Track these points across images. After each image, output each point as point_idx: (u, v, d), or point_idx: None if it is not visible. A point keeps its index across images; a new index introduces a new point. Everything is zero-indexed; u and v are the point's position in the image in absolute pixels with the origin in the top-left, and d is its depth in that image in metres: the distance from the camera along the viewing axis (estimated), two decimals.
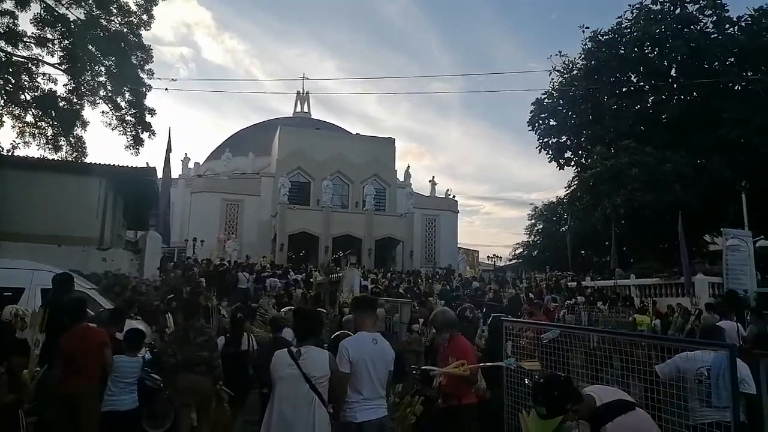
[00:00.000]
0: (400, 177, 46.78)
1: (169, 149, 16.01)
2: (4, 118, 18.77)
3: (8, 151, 18.15)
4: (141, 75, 18.97)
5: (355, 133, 51.48)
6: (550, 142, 30.99)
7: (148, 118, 19.48)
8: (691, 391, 4.25)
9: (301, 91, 57.56)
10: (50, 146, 18.86)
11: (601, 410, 2.81)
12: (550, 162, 31.49)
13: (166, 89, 18.46)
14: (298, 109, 57.82)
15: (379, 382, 3.96)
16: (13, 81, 18.67)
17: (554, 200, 42.89)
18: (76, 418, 4.56)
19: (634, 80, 28.23)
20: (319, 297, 13.70)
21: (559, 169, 31.37)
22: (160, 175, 16.56)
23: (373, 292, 18.09)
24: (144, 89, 19.10)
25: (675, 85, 27.21)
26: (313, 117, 57.18)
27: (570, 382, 3.17)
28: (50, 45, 17.82)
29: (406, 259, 38.99)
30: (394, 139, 46.39)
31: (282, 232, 36.20)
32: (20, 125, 18.98)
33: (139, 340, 5.42)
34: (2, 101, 18.72)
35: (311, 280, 18.43)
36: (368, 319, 4.20)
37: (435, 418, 4.95)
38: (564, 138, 30.89)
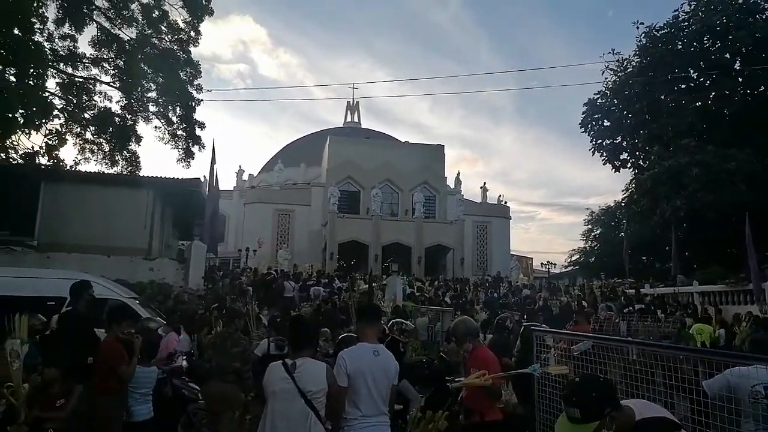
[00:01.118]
0: (451, 184, 46.24)
1: (213, 160, 16.37)
2: (67, 137, 19.75)
3: (71, 167, 19.12)
4: (190, 90, 19.56)
5: (404, 141, 51.38)
6: (604, 143, 29.89)
7: (198, 131, 20.12)
8: (745, 412, 3.77)
9: (351, 102, 58.10)
10: (107, 161, 19.71)
11: (640, 425, 2.44)
12: (604, 164, 30.42)
13: (200, 101, 18.72)
14: (349, 119, 58.27)
15: (380, 398, 3.65)
16: (75, 101, 19.63)
17: (612, 204, 41.26)
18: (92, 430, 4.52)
19: (694, 75, 26.83)
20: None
21: (615, 171, 30.26)
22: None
23: (419, 301, 17.89)
24: (193, 104, 19.67)
25: (739, 79, 25.65)
26: (363, 126, 57.49)
27: (610, 384, 2.77)
28: (105, 64, 18.60)
29: (456, 267, 38.37)
30: (443, 146, 45.98)
31: (332, 240, 36.41)
32: (80, 142, 19.90)
33: (153, 349, 5.39)
34: (64, 121, 19.69)
35: (355, 288, 18.36)
36: (370, 329, 3.91)
37: None
38: (619, 139, 29.73)
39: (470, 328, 4.74)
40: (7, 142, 17.24)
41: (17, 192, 13.77)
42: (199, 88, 19.68)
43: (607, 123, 29.82)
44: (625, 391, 4.31)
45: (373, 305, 4.46)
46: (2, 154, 16.88)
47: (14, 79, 15.39)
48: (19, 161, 17.26)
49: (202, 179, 18.06)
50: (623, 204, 32.00)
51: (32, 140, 18.61)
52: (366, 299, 15.56)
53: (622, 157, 30.18)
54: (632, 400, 2.86)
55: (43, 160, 18.46)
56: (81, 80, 19.23)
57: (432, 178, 43.44)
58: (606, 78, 30.14)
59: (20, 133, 18.02)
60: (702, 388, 3.91)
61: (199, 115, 19.97)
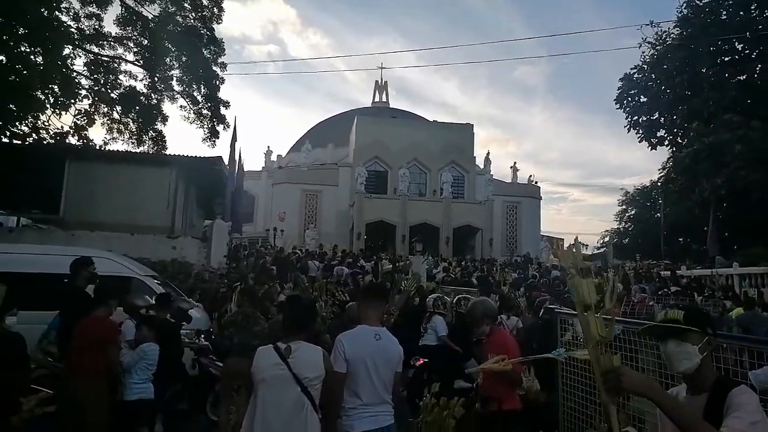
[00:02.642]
0: (480, 164, 45.42)
1: (234, 138, 16.20)
2: (95, 116, 19.88)
3: (100, 147, 19.28)
4: (214, 68, 19.41)
5: (432, 120, 50.59)
6: (640, 120, 28.69)
7: (222, 110, 20.04)
8: None
9: (380, 81, 57.42)
10: (134, 141, 19.83)
11: (724, 379, 2.19)
12: (640, 142, 29.26)
13: (224, 80, 18.42)
14: (377, 99, 57.65)
15: (382, 386, 3.34)
16: (102, 81, 19.71)
17: (648, 184, 39.93)
18: (80, 414, 4.34)
19: (738, 47, 25.33)
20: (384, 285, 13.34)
21: (651, 149, 29.04)
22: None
23: (444, 281, 17.54)
24: (217, 82, 19.54)
25: None
26: (391, 106, 56.83)
27: None
28: (129, 43, 18.56)
29: (485, 248, 37.82)
30: (472, 125, 45.06)
31: (359, 221, 36.26)
32: (108, 122, 20.05)
33: (155, 324, 5.23)
34: (92, 101, 19.80)
35: (380, 268, 18.12)
36: (373, 309, 3.57)
37: (474, 424, 4.30)
38: (656, 115, 28.48)
39: (488, 309, 4.39)
40: (39, 123, 17.45)
41: (44, 171, 13.89)
42: (223, 66, 19.55)
43: (643, 99, 28.60)
44: (659, 380, 3.91)
45: (378, 283, 4.11)
46: (34, 135, 17.07)
47: (41, 60, 15.45)
48: (50, 141, 17.45)
49: (226, 158, 17.97)
50: (660, 183, 30.87)
51: (62, 121, 18.82)
52: (391, 279, 15.31)
53: (659, 134, 28.93)
54: None
55: (73, 140, 18.68)
56: (107, 59, 19.28)
57: (460, 157, 42.71)
58: (643, 52, 28.88)
59: (50, 113, 18.25)
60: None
61: (227, 95, 19.92)
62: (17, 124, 15.68)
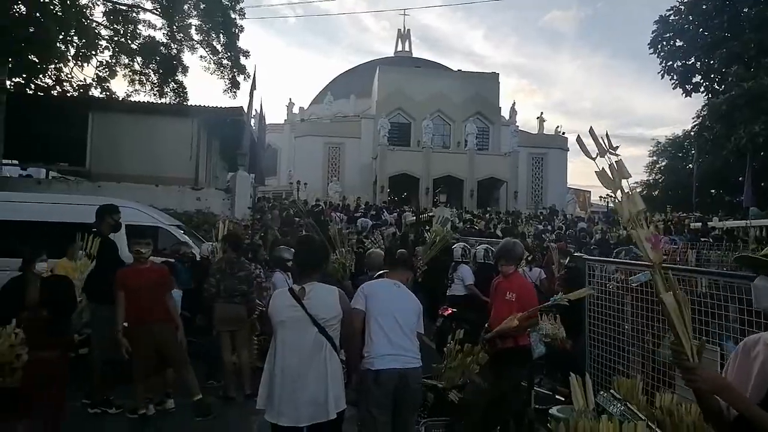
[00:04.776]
0: (506, 115, 44.39)
1: (253, 86, 15.93)
2: (116, 68, 19.79)
3: (123, 99, 19.29)
4: (233, 16, 19.03)
5: (456, 70, 49.25)
6: (675, 65, 27.36)
7: (242, 60, 19.76)
8: None
9: (402, 30, 55.83)
10: (155, 93, 19.75)
11: None
12: (674, 88, 27.98)
13: (243, 28, 18.20)
14: (399, 48, 56.21)
15: (408, 328, 3.39)
16: (121, 31, 19.53)
17: (680, 134, 38.53)
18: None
19: None
20: (407, 237, 13.36)
21: (686, 95, 27.80)
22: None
23: (469, 233, 17.43)
24: (236, 30, 19.19)
25: None
26: (414, 56, 55.43)
27: None
28: None
29: (510, 200, 37.43)
30: (497, 74, 43.81)
31: (382, 173, 36.07)
32: (130, 74, 19.95)
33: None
34: (113, 52, 19.67)
35: (403, 220, 18.08)
36: (398, 274, 3.70)
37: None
38: (692, 60, 27.09)
39: (519, 252, 4.56)
40: (62, 75, 17.47)
41: (69, 123, 13.96)
42: (242, 13, 19.11)
43: (679, 42, 27.22)
44: (696, 327, 3.78)
45: (405, 253, 4.08)
46: (58, 87, 17.12)
47: (59, 10, 15.27)
48: (74, 94, 17.51)
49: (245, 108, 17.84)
50: (693, 133, 29.74)
51: (85, 73, 18.80)
52: (415, 231, 15.30)
53: (694, 80, 27.62)
54: None
55: (96, 93, 18.71)
56: (125, 8, 19.04)
57: (485, 108, 41.76)
58: None
59: (73, 65, 18.22)
60: None
61: (247, 45, 19.56)
62: (41, 76, 15.71)
